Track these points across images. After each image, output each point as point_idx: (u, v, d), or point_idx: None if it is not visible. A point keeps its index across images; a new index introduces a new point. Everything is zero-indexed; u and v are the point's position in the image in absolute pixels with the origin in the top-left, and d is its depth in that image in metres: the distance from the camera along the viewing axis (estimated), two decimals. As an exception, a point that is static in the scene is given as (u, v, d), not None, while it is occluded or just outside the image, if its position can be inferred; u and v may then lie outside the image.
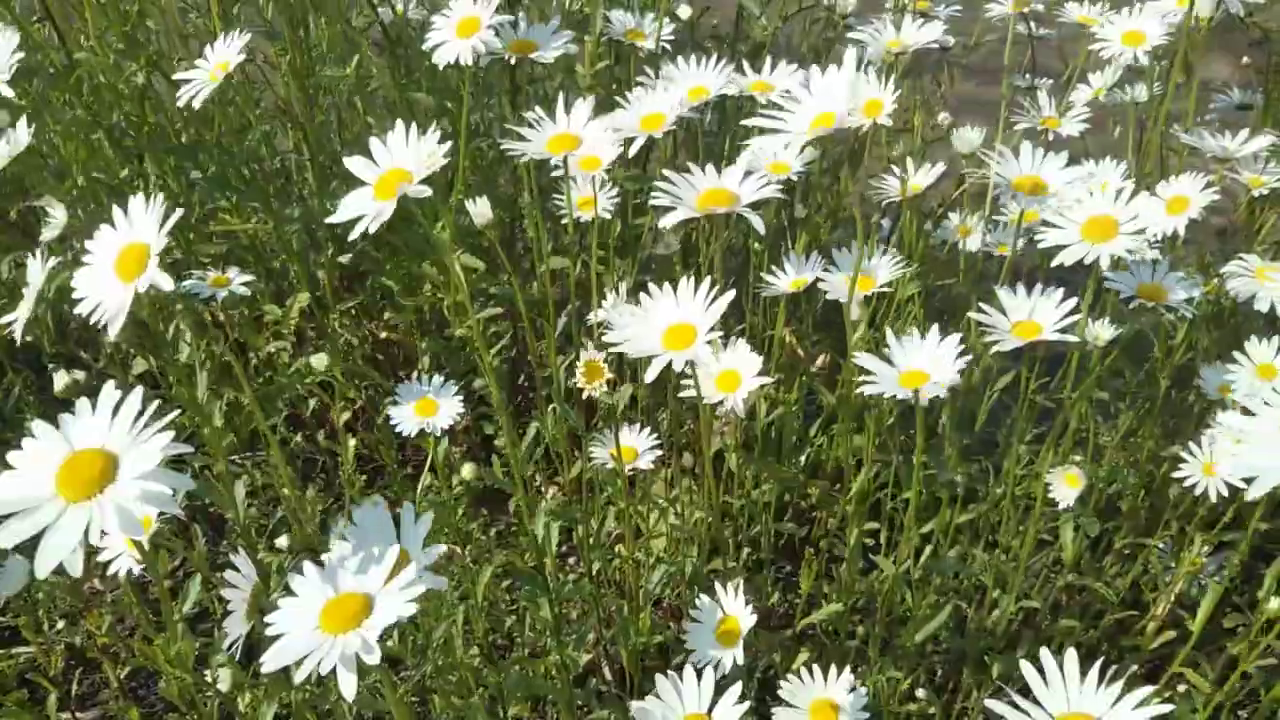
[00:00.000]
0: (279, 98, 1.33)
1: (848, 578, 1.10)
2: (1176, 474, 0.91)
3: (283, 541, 0.90)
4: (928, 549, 1.07)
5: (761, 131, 0.74)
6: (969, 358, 0.75)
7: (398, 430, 0.97)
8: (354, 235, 0.63)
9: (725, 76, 0.98)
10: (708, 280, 0.68)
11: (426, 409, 0.97)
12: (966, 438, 1.22)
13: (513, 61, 1.03)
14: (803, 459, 1.26)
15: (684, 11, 1.19)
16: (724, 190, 0.75)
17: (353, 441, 1.07)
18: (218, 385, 1.29)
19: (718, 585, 0.77)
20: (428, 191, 0.62)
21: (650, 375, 0.66)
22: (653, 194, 0.75)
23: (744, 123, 0.82)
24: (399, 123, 0.66)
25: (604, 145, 0.83)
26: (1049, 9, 1.28)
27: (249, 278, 1.07)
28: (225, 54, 1.09)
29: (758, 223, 0.72)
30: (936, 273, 1.20)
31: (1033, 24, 1.30)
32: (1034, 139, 0.99)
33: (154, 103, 1.26)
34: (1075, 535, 0.98)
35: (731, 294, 0.68)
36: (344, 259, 1.33)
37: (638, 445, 0.96)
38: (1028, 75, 1.41)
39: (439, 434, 0.95)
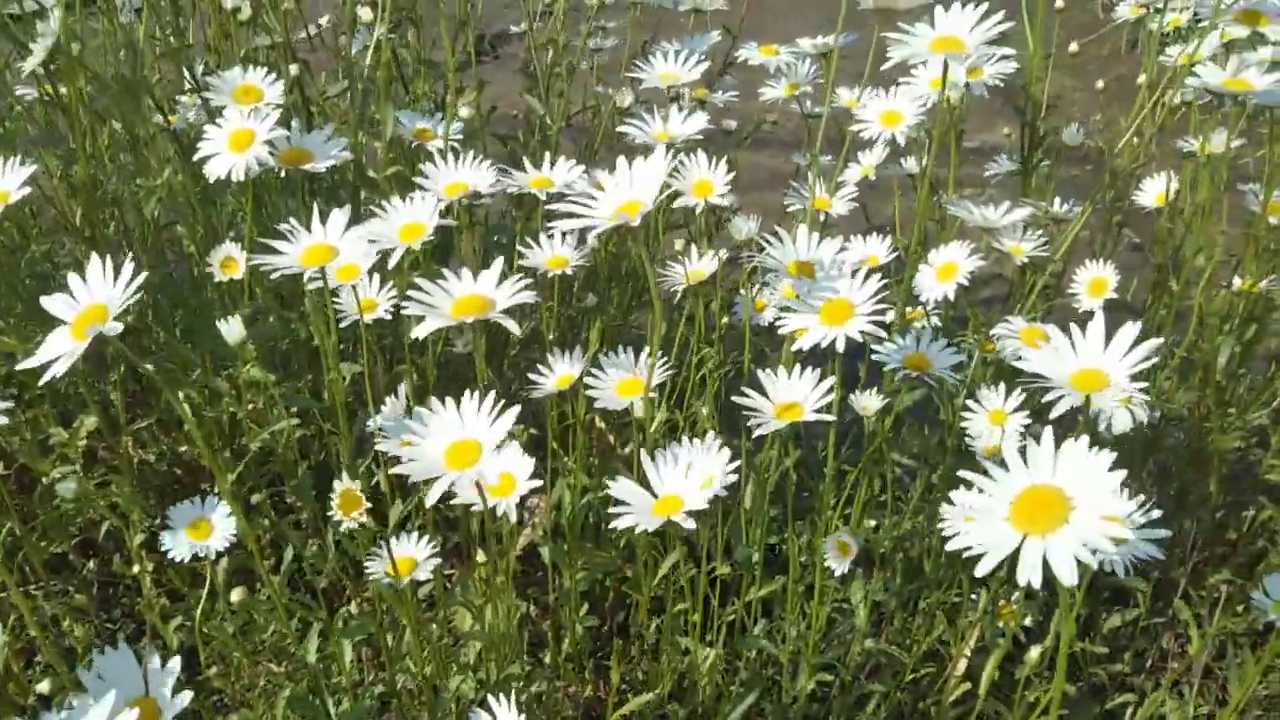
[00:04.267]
0: (59, 211, 1.29)
1: (663, 663, 1.10)
2: (939, 524, 0.94)
3: (44, 687, 0.85)
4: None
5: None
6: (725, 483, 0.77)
7: (169, 555, 0.93)
8: (44, 380, 0.61)
9: (490, 174, 0.98)
10: (491, 394, 0.67)
11: (200, 532, 0.93)
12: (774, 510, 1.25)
13: (283, 174, 1.01)
14: (618, 544, 1.25)
15: (465, 112, 1.20)
16: (479, 296, 0.75)
17: (136, 567, 1.03)
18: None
19: (490, 697, 0.76)
20: (119, 328, 0.60)
21: (432, 498, 0.65)
22: (404, 303, 0.74)
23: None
24: (94, 257, 0.64)
25: (360, 255, 0.82)
26: (819, 91, 1.34)
27: (7, 405, 1.02)
28: (4, 184, 1.04)
29: (513, 328, 0.72)
30: (729, 349, 1.22)
31: (808, 102, 1.35)
32: (809, 221, 1.03)
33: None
34: (863, 601, 1.00)
35: (517, 409, 0.67)
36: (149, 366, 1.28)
37: (417, 555, 0.94)
38: (808, 153, 1.47)
39: (213, 557, 0.92)
